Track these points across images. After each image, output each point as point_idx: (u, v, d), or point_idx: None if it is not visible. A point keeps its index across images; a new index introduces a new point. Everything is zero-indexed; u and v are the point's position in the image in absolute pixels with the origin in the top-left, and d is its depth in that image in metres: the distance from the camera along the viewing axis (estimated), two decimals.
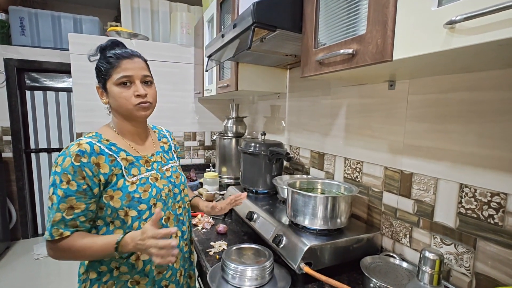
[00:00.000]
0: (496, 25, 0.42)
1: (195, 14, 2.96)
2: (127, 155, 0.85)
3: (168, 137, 1.07)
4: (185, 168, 2.49)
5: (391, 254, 0.96)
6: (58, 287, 2.41)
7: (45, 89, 3.22)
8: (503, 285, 0.71)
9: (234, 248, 0.98)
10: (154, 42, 2.62)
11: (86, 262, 0.85)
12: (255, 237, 1.15)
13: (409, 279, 0.81)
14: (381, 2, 0.61)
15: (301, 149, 1.60)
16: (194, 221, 1.37)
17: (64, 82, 3.30)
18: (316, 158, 1.46)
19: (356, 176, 1.19)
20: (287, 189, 1.04)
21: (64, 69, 3.08)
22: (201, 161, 2.76)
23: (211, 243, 1.17)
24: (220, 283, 0.87)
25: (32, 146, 3.22)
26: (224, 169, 1.99)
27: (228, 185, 1.85)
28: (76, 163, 0.74)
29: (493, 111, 0.73)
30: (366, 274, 0.81)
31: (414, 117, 0.94)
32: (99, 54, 0.87)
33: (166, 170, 0.94)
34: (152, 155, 0.93)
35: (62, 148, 0.80)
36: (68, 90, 3.28)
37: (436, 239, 0.88)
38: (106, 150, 0.80)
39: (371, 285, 0.79)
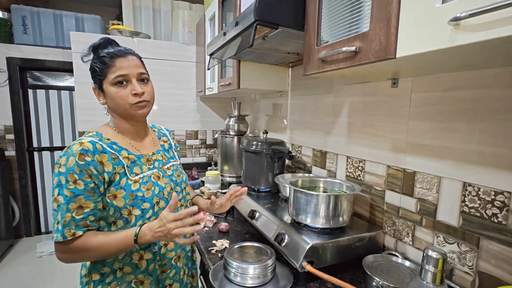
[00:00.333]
0: (502, 21, 0.42)
1: (197, 12, 2.96)
2: (128, 154, 0.84)
3: (168, 135, 1.07)
4: (187, 166, 2.49)
5: (393, 252, 0.95)
6: (61, 284, 2.43)
7: (47, 87, 3.23)
8: (506, 284, 0.71)
9: (236, 246, 0.98)
10: (156, 40, 2.62)
11: (87, 264, 0.84)
12: (257, 236, 1.15)
13: (411, 278, 0.81)
14: None
15: (303, 148, 1.60)
16: None
17: (66, 81, 3.31)
18: (318, 157, 1.46)
19: (359, 175, 1.19)
20: (289, 187, 1.04)
21: (66, 68, 3.09)
22: (203, 159, 2.76)
23: (213, 242, 1.17)
24: (223, 281, 0.88)
25: (35, 144, 3.24)
26: (226, 167, 1.99)
27: (230, 183, 1.85)
28: (80, 162, 0.73)
29: (497, 109, 0.72)
30: (369, 273, 0.81)
31: (417, 115, 0.93)
32: (92, 54, 0.86)
33: (167, 168, 0.94)
34: (153, 153, 0.92)
35: (65, 147, 0.79)
36: (70, 89, 3.29)
37: (439, 238, 0.87)
38: (108, 149, 0.80)
39: (374, 283, 0.79)
